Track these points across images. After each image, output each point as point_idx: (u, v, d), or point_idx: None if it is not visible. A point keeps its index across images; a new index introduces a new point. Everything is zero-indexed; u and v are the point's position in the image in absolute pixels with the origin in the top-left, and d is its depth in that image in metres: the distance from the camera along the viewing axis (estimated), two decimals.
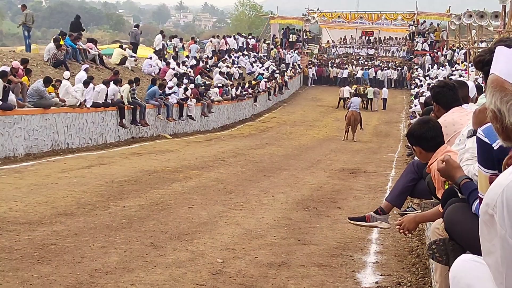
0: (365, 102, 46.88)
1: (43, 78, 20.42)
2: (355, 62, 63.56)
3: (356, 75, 58.76)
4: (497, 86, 2.29)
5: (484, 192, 3.21)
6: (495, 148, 3.19)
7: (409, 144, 20.73)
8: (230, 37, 53.90)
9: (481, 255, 2.38)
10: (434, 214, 5.09)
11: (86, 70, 24.45)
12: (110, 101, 23.48)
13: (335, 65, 62.71)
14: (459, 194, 4.04)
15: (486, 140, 3.32)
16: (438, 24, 62.47)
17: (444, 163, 4.17)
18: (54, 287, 6.99)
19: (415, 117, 28.87)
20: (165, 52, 38.92)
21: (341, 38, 69.39)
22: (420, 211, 6.39)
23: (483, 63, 3.86)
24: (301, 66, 60.00)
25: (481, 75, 4.27)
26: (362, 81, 54.52)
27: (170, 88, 29.21)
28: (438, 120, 6.27)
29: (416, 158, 6.94)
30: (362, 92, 45.72)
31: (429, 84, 40.52)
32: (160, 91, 27.59)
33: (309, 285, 7.66)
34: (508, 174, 2.20)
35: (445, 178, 4.34)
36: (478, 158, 3.41)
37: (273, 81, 48.16)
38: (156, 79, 29.08)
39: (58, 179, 14.53)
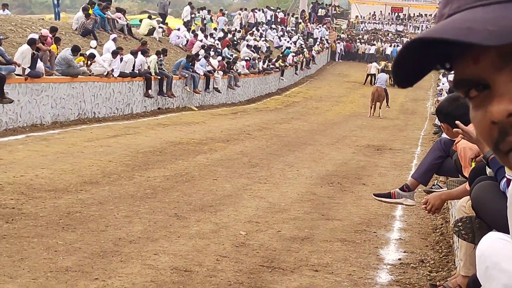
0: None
1: (71, 47, 20.46)
2: (383, 39, 63.08)
3: (385, 51, 58.39)
4: None
5: (511, 173, 3.17)
6: None
7: (436, 122, 20.54)
8: (259, 10, 53.69)
9: (508, 233, 2.36)
10: (461, 192, 5.05)
11: (114, 40, 24.45)
12: (137, 72, 23.51)
13: (363, 40, 62.28)
14: (487, 170, 4.00)
15: None
16: None
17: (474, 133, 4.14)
18: (79, 254, 7.04)
19: (442, 95, 28.68)
20: (193, 24, 38.86)
21: (370, 14, 68.91)
22: (446, 189, 6.35)
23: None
24: (329, 41, 59.65)
25: None
26: (391, 58, 54.16)
27: (199, 61, 29.09)
28: None
29: (443, 135, 6.89)
30: (390, 69, 45.40)
31: None
32: (189, 63, 27.56)
33: (332, 260, 7.66)
34: None
35: (477, 146, 4.30)
36: None
37: (301, 55, 47.94)
38: (190, 55, 28.84)
39: (84, 148, 14.61)
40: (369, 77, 46.00)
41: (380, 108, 30.77)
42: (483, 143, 4.08)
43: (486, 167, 4.05)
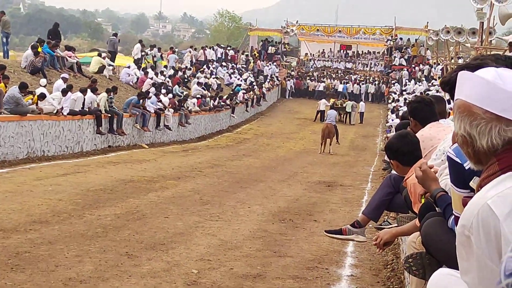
0: (343, 116, 47.06)
1: (19, 84, 20.31)
2: (333, 76, 63.73)
3: (334, 88, 59.04)
4: (465, 111, 2.31)
5: (458, 210, 3.23)
6: (466, 167, 3.20)
7: (386, 159, 20.77)
8: (209, 48, 53.93)
9: (458, 269, 2.39)
10: (411, 228, 5.11)
11: (64, 79, 24.30)
12: (87, 109, 23.39)
13: (313, 78, 62.83)
14: (436, 208, 4.06)
15: (457, 159, 3.33)
16: (416, 39, 62.87)
17: (421, 172, 4.20)
18: None
19: (391, 131, 29.02)
20: (143, 62, 38.86)
21: (319, 51, 69.58)
22: (396, 225, 6.42)
23: (449, 85, 3.89)
24: (279, 78, 60.10)
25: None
26: (342, 95, 54.83)
27: (149, 98, 29.05)
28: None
29: (393, 172, 6.98)
30: (339, 106, 45.85)
31: (405, 99, 40.76)
32: (140, 101, 27.50)
33: None
34: (483, 195, 2.22)
35: (423, 186, 4.37)
36: (451, 177, 3.43)
37: (251, 92, 48.21)
38: (141, 93, 28.76)
39: (34, 187, 14.43)
40: (319, 113, 46.41)
41: (330, 144, 31.03)
42: (430, 182, 4.14)
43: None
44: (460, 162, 3.31)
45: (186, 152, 26.81)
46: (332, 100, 47.25)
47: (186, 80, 41.21)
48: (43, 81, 22.74)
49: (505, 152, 2.26)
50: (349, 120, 47.83)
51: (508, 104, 2.24)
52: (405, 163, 5.72)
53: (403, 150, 5.68)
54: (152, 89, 31.17)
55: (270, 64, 60.42)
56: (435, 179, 4.19)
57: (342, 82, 60.07)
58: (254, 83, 51.57)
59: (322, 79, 62.21)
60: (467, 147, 2.34)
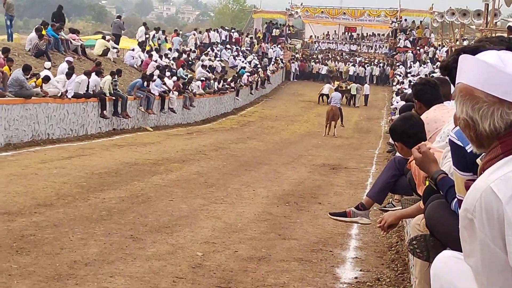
0: (348, 98, 46.87)
1: (22, 66, 20.30)
2: (338, 58, 63.58)
3: (339, 70, 59.00)
4: (467, 94, 2.31)
5: (461, 194, 3.22)
6: (468, 151, 3.19)
7: (390, 141, 20.74)
8: (213, 30, 53.80)
9: (461, 251, 2.39)
10: (415, 210, 5.10)
11: (68, 62, 24.27)
12: (91, 92, 23.37)
13: (317, 60, 62.70)
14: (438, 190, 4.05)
15: (459, 143, 3.33)
16: (420, 22, 62.62)
17: (420, 153, 4.19)
18: (33, 278, 6.96)
19: (396, 113, 28.98)
20: (147, 44, 38.80)
21: (324, 34, 69.41)
22: (400, 207, 6.41)
23: (447, 70, 3.88)
24: (283, 61, 59.98)
25: None
26: (350, 78, 54.82)
27: (154, 81, 29.00)
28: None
29: (397, 154, 6.96)
30: (344, 89, 45.67)
31: (410, 81, 40.66)
32: (144, 83, 27.47)
33: (288, 279, 7.67)
34: (485, 178, 2.21)
35: (420, 169, 4.35)
36: (453, 160, 3.42)
37: (255, 75, 48.12)
38: (145, 76, 28.75)
39: (38, 170, 14.44)
40: (322, 96, 46.25)
41: (335, 127, 30.98)
42: (429, 164, 4.13)
43: None
44: (462, 145, 3.31)
45: (191, 135, 26.82)
46: (336, 83, 47.15)
47: (190, 62, 41.16)
48: (47, 64, 22.72)
49: (508, 135, 2.26)
50: (354, 102, 47.74)
51: (510, 87, 2.23)
52: (409, 146, 5.69)
53: (408, 133, 5.65)
54: (157, 72, 31.11)
55: (274, 47, 60.28)
56: (435, 161, 4.18)
57: (346, 64, 59.96)
58: (259, 66, 51.46)
59: (326, 61, 62.06)
60: (469, 130, 2.34)
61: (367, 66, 60.25)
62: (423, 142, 4.79)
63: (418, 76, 40.21)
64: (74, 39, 29.37)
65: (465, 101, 2.31)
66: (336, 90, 37.67)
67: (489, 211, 2.13)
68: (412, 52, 56.87)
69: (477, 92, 2.27)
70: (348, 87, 47.60)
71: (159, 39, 41.03)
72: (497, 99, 2.24)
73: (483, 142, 2.33)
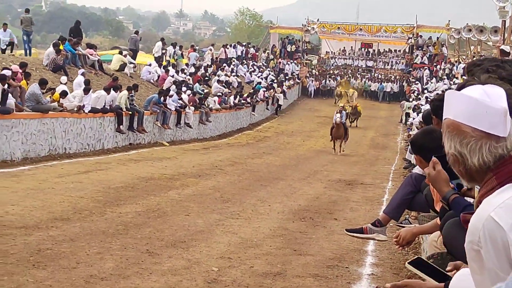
0: (351, 120, 44.23)
1: (39, 80, 20.43)
2: (355, 74, 63.52)
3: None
4: (454, 129, 2.31)
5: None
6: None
7: (406, 157, 20.68)
8: (230, 46, 53.94)
9: None
10: (432, 227, 5.08)
11: (83, 74, 24.42)
12: (108, 107, 23.48)
13: (333, 76, 62.66)
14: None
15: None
16: (437, 38, 62.52)
17: (435, 170, 4.15)
18: None
19: (413, 129, 28.91)
20: (164, 59, 38.94)
21: (340, 49, 69.42)
22: (416, 224, 6.39)
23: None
24: (299, 77, 60.01)
25: None
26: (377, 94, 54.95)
27: (171, 96, 29.09)
28: None
29: (414, 170, 6.95)
30: (348, 110, 43.71)
31: (427, 97, 40.57)
32: (161, 99, 27.58)
33: None
34: (485, 208, 2.21)
35: (433, 186, 4.33)
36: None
37: (272, 90, 48.14)
38: (162, 91, 28.84)
39: (55, 184, 14.50)
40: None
41: (340, 145, 30.23)
42: (441, 183, 4.10)
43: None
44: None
45: (207, 150, 26.85)
46: (341, 104, 46.54)
47: (206, 78, 41.24)
48: (63, 78, 22.86)
49: (500, 166, 2.26)
50: (356, 123, 46.47)
51: (496, 121, 2.24)
52: (428, 159, 5.68)
53: (428, 146, 5.63)
54: (173, 87, 31.22)
55: (290, 62, 60.34)
56: (447, 180, 4.15)
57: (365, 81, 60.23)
58: (275, 81, 51.45)
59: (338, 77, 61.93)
60: (459, 165, 2.34)
61: (383, 83, 60.21)
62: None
63: (435, 92, 40.14)
64: (91, 54, 29.51)
65: (452, 136, 2.32)
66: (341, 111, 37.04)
67: (494, 240, 2.13)
68: (428, 69, 56.77)
69: (464, 127, 2.28)
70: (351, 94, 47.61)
71: (176, 54, 41.16)
72: (484, 133, 2.24)
73: (473, 176, 2.33)
